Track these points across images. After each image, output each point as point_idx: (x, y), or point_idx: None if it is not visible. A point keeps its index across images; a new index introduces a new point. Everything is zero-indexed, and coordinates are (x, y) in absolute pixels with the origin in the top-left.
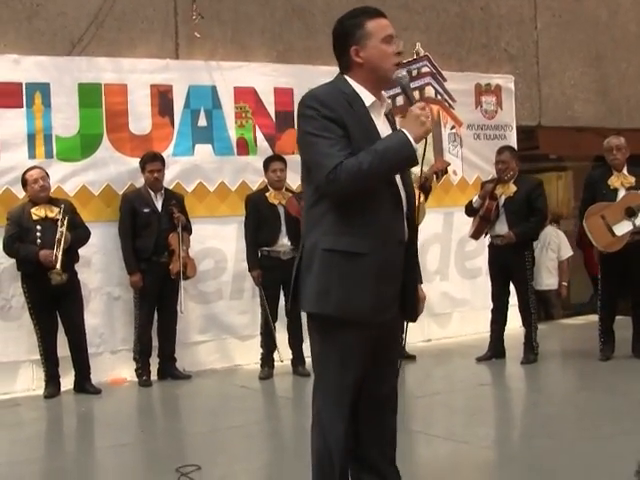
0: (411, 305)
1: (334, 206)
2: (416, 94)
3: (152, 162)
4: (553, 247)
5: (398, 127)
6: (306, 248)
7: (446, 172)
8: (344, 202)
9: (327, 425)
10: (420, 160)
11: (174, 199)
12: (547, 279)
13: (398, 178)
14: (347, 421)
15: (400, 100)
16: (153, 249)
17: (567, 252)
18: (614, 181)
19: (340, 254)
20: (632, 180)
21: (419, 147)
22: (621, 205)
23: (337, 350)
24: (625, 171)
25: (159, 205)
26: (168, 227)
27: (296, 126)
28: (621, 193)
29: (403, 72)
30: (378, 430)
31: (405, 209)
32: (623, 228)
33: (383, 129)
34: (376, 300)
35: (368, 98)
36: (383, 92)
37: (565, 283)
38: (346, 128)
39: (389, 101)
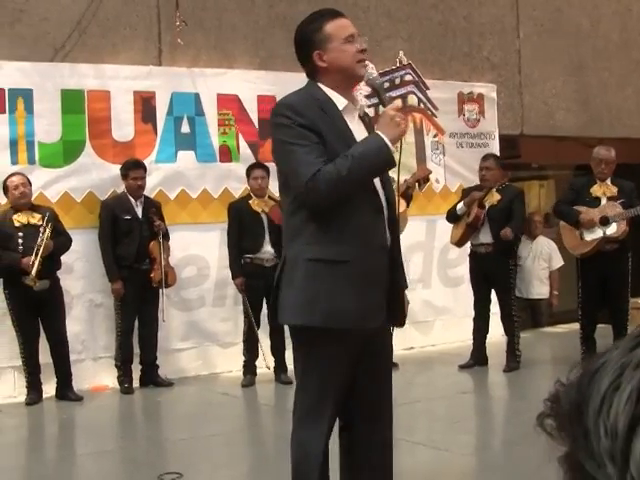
0: (397, 310)
1: (314, 215)
2: (399, 102)
3: (135, 169)
4: (544, 257)
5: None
6: (288, 259)
7: (428, 180)
8: (325, 210)
9: (306, 437)
10: (397, 164)
11: (153, 206)
12: (539, 288)
13: (378, 184)
14: (326, 435)
15: (399, 103)
16: (135, 257)
17: (558, 262)
18: (596, 190)
19: (324, 263)
20: (614, 190)
21: (395, 150)
22: (597, 213)
23: (320, 363)
24: (609, 181)
25: (139, 212)
26: (149, 234)
27: (271, 135)
28: (603, 202)
29: (374, 74)
30: (374, 444)
31: (386, 214)
32: (592, 235)
33: (358, 132)
34: (363, 308)
35: (340, 102)
36: (364, 100)
37: (556, 292)
38: (321, 134)
39: (362, 102)
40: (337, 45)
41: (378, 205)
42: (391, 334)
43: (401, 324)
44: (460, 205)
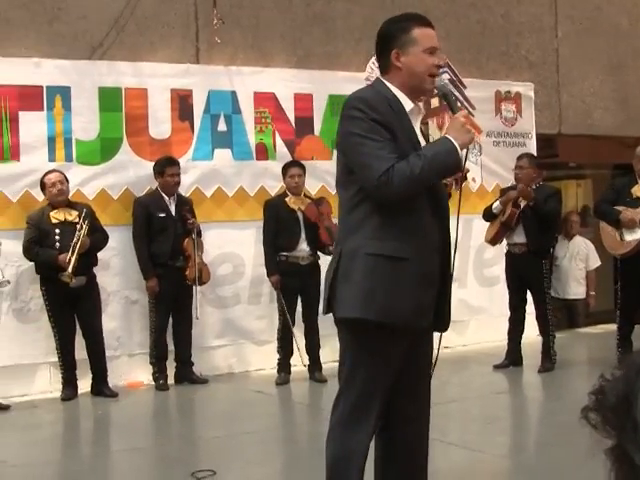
0: (444, 314)
1: (376, 210)
2: (436, 101)
3: (172, 166)
4: (582, 257)
5: (442, 134)
6: (345, 252)
7: (465, 179)
8: (388, 206)
9: (349, 435)
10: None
11: (186, 203)
12: (575, 288)
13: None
14: (370, 436)
15: (435, 102)
16: (169, 254)
17: (595, 262)
18: (637, 190)
19: (384, 258)
20: None
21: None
22: (638, 213)
23: (371, 359)
24: None
25: (173, 209)
26: (182, 232)
27: (339, 127)
28: None
29: (445, 80)
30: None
31: (441, 215)
32: (633, 235)
33: (419, 135)
34: (417, 306)
35: (407, 103)
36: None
37: (593, 293)
38: (392, 131)
39: (422, 108)
40: (418, 52)
41: (436, 206)
42: (432, 340)
43: (445, 329)
44: (496, 203)
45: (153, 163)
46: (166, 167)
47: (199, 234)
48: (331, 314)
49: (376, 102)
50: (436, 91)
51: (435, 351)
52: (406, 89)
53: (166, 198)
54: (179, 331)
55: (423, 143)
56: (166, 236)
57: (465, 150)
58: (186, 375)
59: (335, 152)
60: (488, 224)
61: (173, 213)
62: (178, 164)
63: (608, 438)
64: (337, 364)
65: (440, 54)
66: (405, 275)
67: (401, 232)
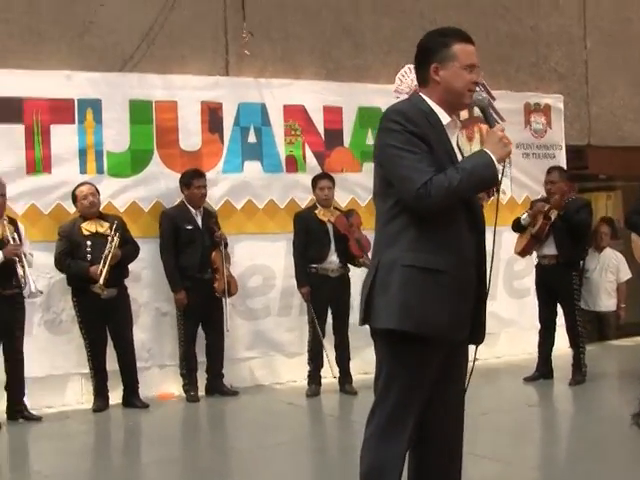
0: (479, 327)
1: (414, 222)
2: (465, 113)
3: (199, 178)
4: (612, 269)
5: (480, 147)
6: (382, 264)
7: (498, 191)
8: (425, 219)
9: (385, 447)
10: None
11: (212, 215)
12: (606, 300)
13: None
14: (406, 448)
15: (464, 114)
16: (198, 267)
17: (626, 274)
18: None
19: (421, 271)
20: None
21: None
22: None
23: (408, 370)
24: None
25: (199, 222)
26: (210, 244)
27: (377, 140)
28: None
29: (483, 94)
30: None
31: (478, 230)
32: None
33: (456, 149)
34: (454, 318)
35: (444, 117)
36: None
37: (624, 305)
38: (430, 144)
39: (459, 122)
40: (457, 67)
41: (472, 219)
42: (467, 354)
43: (480, 342)
44: (524, 215)
45: None
46: (193, 179)
47: (226, 246)
48: (367, 325)
49: (414, 115)
50: (473, 104)
51: (470, 364)
52: (443, 103)
53: (193, 210)
54: (210, 343)
55: (459, 157)
56: (194, 248)
57: (502, 163)
58: (217, 387)
59: (364, 164)
60: (517, 236)
61: (200, 225)
62: (205, 176)
63: None
64: (367, 376)
65: (478, 71)
66: (441, 287)
67: (438, 245)
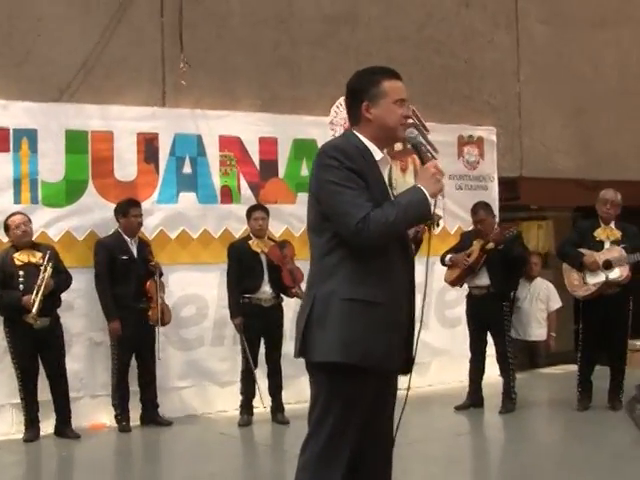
0: (408, 357)
1: (350, 256)
2: (399, 145)
3: (136, 207)
4: (542, 298)
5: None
6: (319, 297)
7: (438, 225)
8: (361, 252)
9: (319, 473)
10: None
11: (146, 245)
12: (537, 329)
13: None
14: (341, 472)
15: (399, 146)
16: (133, 296)
17: (556, 303)
18: (600, 233)
19: (360, 303)
20: (618, 234)
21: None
22: (601, 257)
23: (344, 401)
24: (612, 225)
25: (135, 251)
26: (145, 273)
27: (314, 175)
28: (606, 245)
29: (414, 131)
30: None
31: (409, 260)
32: (595, 278)
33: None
34: (391, 349)
35: (377, 153)
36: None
37: (553, 334)
38: (366, 180)
39: (389, 158)
40: (388, 104)
41: (405, 252)
42: (397, 379)
43: (409, 371)
44: (447, 258)
45: None
46: (130, 207)
47: (161, 275)
48: (302, 357)
49: (350, 151)
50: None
51: (404, 392)
52: (376, 140)
53: (128, 240)
54: (144, 373)
55: (391, 192)
56: (129, 278)
57: (434, 199)
58: (151, 417)
59: (299, 195)
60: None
61: (135, 255)
62: (140, 205)
63: None
64: (299, 405)
65: (408, 105)
66: (380, 319)
67: (374, 277)
